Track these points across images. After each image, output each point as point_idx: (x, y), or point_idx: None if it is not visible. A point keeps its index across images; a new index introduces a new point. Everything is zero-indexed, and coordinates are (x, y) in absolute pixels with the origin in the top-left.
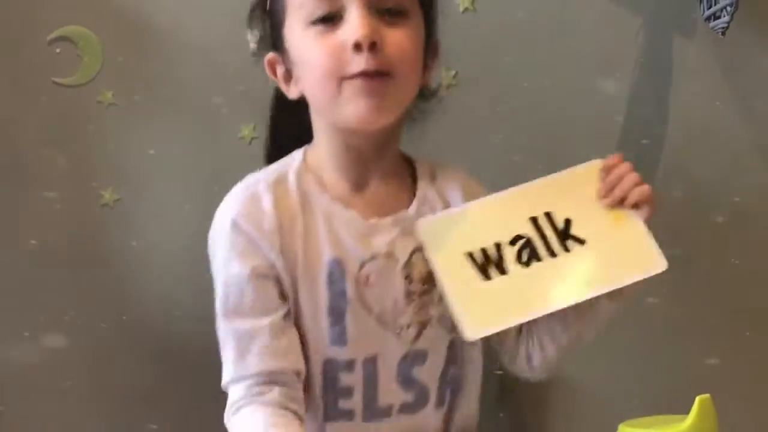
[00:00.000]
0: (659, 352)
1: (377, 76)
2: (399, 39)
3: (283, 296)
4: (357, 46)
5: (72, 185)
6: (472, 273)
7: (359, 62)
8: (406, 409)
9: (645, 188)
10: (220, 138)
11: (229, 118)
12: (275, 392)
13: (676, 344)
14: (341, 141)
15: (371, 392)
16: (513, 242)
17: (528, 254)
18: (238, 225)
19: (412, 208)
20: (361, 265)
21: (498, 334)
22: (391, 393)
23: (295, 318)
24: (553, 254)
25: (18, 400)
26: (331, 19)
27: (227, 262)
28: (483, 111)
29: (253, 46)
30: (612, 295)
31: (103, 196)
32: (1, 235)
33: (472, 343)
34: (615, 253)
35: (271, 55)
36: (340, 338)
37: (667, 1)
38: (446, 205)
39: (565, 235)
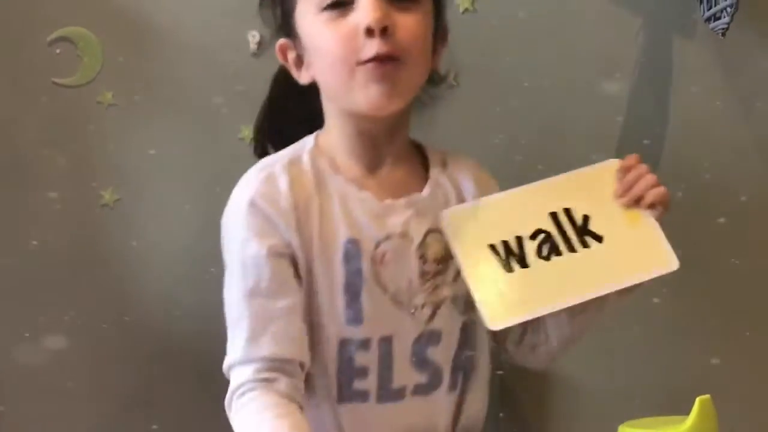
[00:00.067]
0: (660, 352)
1: (389, 61)
2: (410, 24)
3: (298, 278)
4: (369, 31)
5: (72, 185)
6: (494, 264)
7: (371, 47)
8: (420, 390)
9: (661, 190)
10: (220, 138)
11: (229, 119)
12: (282, 381)
13: (677, 344)
14: (353, 126)
15: (386, 373)
16: (533, 236)
17: (548, 249)
18: (256, 205)
19: (426, 191)
20: (377, 245)
21: None
22: (405, 374)
23: (310, 298)
24: (572, 249)
25: (18, 401)
26: (342, 5)
27: (245, 243)
28: (483, 111)
29: (253, 46)
30: (623, 291)
31: (103, 196)
32: (1, 236)
33: (484, 329)
34: (630, 251)
35: (282, 40)
36: (355, 317)
37: (667, 1)
38: (458, 192)
39: (583, 231)
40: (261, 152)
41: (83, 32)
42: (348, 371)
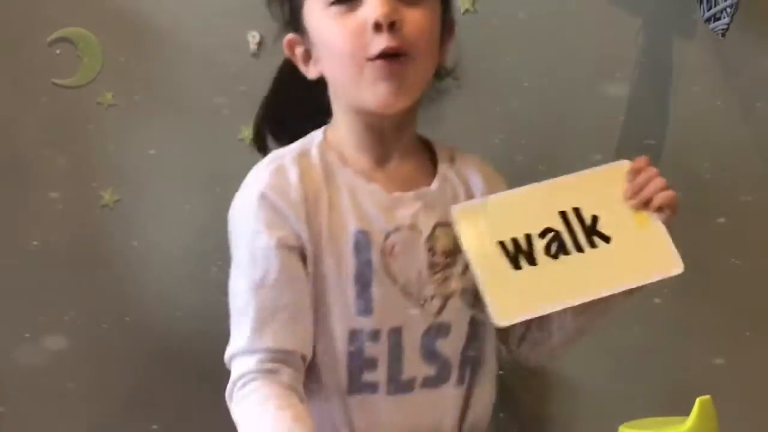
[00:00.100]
0: (660, 352)
1: (396, 58)
2: (417, 18)
3: (305, 271)
4: (377, 26)
5: (72, 186)
6: (503, 261)
7: (379, 42)
8: (429, 383)
9: (670, 193)
10: (220, 138)
11: (230, 119)
12: (285, 372)
13: (677, 344)
14: (360, 121)
15: (396, 364)
16: (543, 235)
17: (556, 247)
18: (266, 197)
19: (434, 185)
20: (386, 236)
21: None
22: (414, 366)
23: (318, 290)
24: (579, 249)
25: (19, 402)
26: (350, 0)
27: (254, 235)
28: (484, 112)
29: (253, 46)
30: (627, 292)
31: (103, 196)
32: (1, 236)
33: (491, 325)
34: (637, 253)
35: (290, 35)
36: (366, 308)
37: (667, 1)
38: (467, 187)
39: (591, 231)
40: (260, 145)
41: (83, 33)
42: (358, 362)
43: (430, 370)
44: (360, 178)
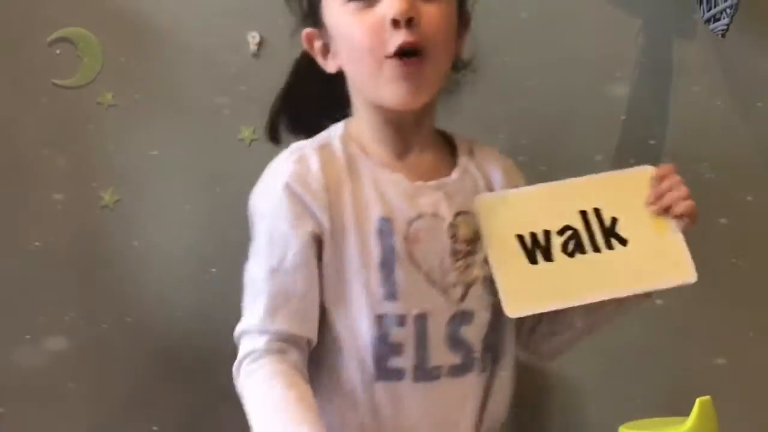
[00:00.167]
0: (661, 353)
1: (414, 56)
2: (434, 14)
3: (320, 260)
4: (395, 23)
5: (72, 186)
6: (520, 254)
7: (397, 38)
8: (455, 372)
9: (691, 203)
10: (220, 139)
11: (230, 119)
12: (292, 352)
13: (678, 345)
14: (380, 115)
15: (422, 351)
16: (561, 232)
17: (573, 246)
18: (290, 187)
19: (455, 175)
20: (410, 223)
21: None
22: (440, 354)
23: (343, 278)
24: (596, 249)
25: (19, 403)
26: None
27: (275, 221)
28: (485, 111)
29: (253, 47)
30: (640, 296)
31: (103, 197)
32: (1, 237)
33: None
34: (652, 258)
35: (309, 29)
36: (391, 293)
37: (667, 2)
38: (487, 180)
39: (610, 232)
40: (273, 136)
41: (83, 33)
42: (384, 348)
43: (455, 359)
44: (383, 169)
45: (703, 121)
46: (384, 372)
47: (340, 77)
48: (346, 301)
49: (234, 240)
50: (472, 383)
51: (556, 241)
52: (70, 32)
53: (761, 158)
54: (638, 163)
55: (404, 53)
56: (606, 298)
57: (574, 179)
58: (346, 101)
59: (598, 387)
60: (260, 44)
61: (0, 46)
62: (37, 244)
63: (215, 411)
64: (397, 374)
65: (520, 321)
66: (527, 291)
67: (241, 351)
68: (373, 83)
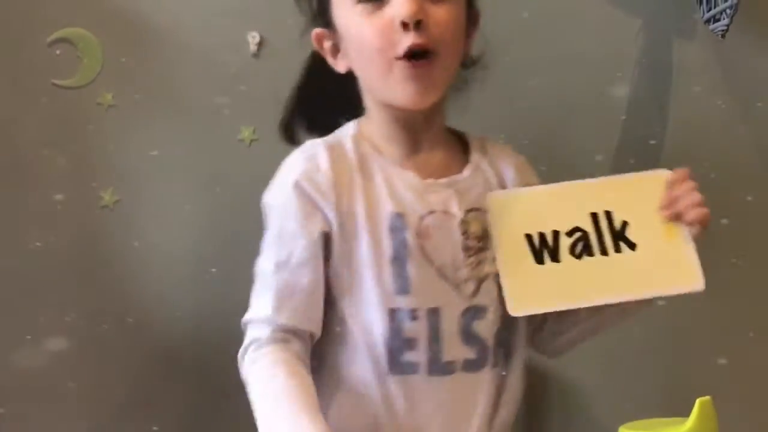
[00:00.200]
0: (661, 353)
1: (423, 58)
2: (443, 15)
3: (326, 258)
4: (404, 25)
5: (72, 186)
6: (527, 254)
7: (406, 40)
8: (469, 366)
9: (704, 211)
10: (220, 139)
11: (230, 119)
12: (296, 344)
13: (678, 345)
14: (390, 114)
15: (435, 345)
16: (570, 233)
17: (581, 248)
18: (300, 186)
19: (466, 172)
20: (421, 219)
21: None
22: (454, 348)
23: (356, 273)
24: (604, 252)
25: (19, 403)
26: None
27: (285, 218)
28: (485, 111)
29: (253, 47)
30: (646, 300)
31: (102, 197)
32: (1, 237)
33: None
34: (660, 264)
35: (318, 30)
36: (403, 287)
37: (667, 2)
38: (499, 177)
39: (619, 236)
40: (289, 136)
41: (83, 33)
42: (397, 342)
43: (470, 353)
44: (394, 166)
45: (703, 121)
46: (398, 366)
47: (351, 76)
48: (359, 296)
49: (234, 240)
50: (485, 379)
51: (565, 242)
52: (70, 32)
53: (761, 158)
54: (638, 163)
55: (413, 55)
56: (610, 302)
57: (587, 180)
58: (359, 100)
59: (598, 387)
60: (260, 44)
61: (0, 46)
62: (37, 244)
63: (215, 411)
64: (411, 368)
65: (529, 318)
66: (532, 290)
67: (247, 338)
68: (383, 84)
